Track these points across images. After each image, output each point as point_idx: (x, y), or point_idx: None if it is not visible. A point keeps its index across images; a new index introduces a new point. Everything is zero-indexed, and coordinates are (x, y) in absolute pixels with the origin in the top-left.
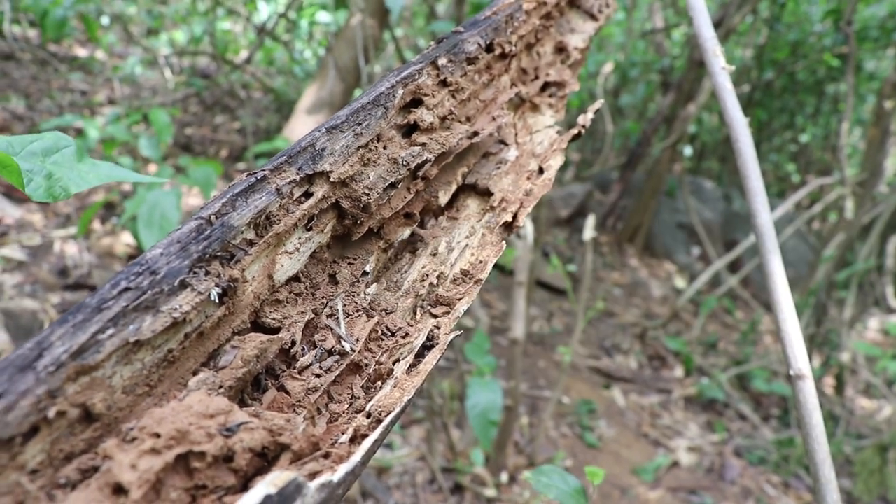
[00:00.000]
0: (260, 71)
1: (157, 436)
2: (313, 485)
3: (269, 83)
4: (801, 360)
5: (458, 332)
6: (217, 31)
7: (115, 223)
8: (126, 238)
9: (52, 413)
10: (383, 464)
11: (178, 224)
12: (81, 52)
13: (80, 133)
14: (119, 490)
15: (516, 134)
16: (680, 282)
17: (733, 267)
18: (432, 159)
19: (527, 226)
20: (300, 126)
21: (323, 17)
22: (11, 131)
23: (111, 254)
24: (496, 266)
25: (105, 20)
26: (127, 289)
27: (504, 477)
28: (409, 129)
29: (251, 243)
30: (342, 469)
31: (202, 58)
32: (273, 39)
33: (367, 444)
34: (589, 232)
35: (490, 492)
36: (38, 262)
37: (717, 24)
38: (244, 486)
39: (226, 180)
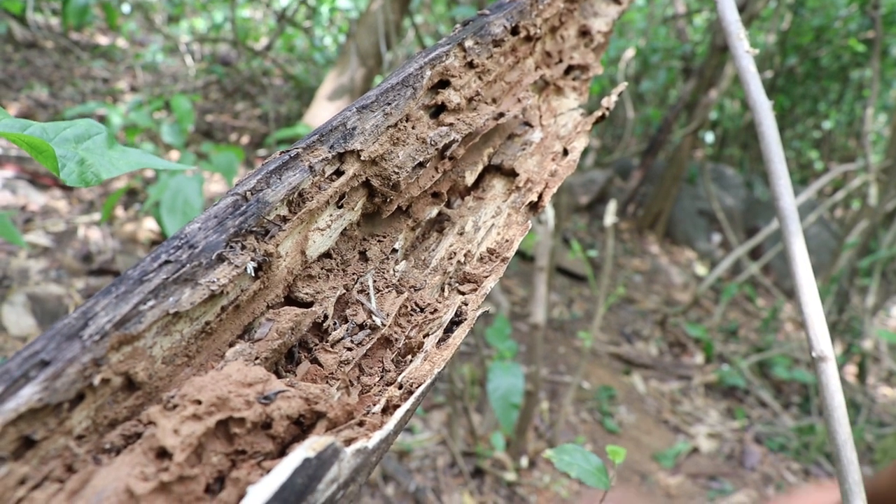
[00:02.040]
0: (280, 58)
1: (199, 403)
2: (349, 450)
3: (290, 70)
4: (823, 341)
5: (486, 309)
6: (237, 18)
7: (137, 209)
8: (149, 224)
9: (97, 380)
10: (405, 447)
11: (200, 210)
12: (103, 40)
13: (102, 120)
14: (163, 454)
15: (541, 116)
16: (700, 269)
17: (754, 254)
18: (459, 139)
19: (547, 211)
20: (321, 112)
21: (343, 2)
22: (35, 119)
23: (134, 240)
24: (517, 252)
25: (126, 8)
26: (167, 262)
27: (524, 461)
28: (437, 110)
29: (285, 219)
30: (377, 436)
31: (223, 45)
32: (293, 26)
33: (399, 413)
34: (610, 218)
35: (510, 476)
36: (62, 248)
37: (741, 9)
38: (282, 452)
39: (247, 167)
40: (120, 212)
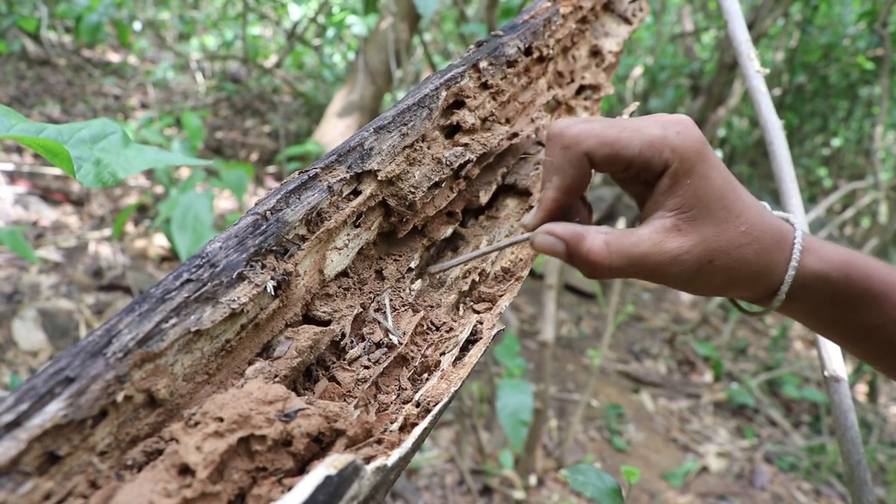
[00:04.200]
0: (290, 75)
1: (220, 420)
2: (369, 468)
3: (299, 87)
4: (835, 361)
5: (501, 328)
6: (248, 35)
7: (148, 225)
8: (159, 240)
9: (119, 397)
10: (413, 465)
11: (211, 226)
12: (114, 58)
13: None
14: (185, 471)
15: None
16: None
17: None
18: (474, 159)
19: None
20: (331, 129)
21: (352, 21)
22: None
23: (144, 255)
24: None
25: (137, 26)
26: (189, 280)
27: (533, 479)
28: (452, 130)
29: (303, 239)
30: (395, 454)
31: (233, 62)
32: (303, 44)
33: (417, 431)
34: None
35: (519, 494)
36: (73, 264)
37: (749, 27)
38: (301, 470)
39: (257, 183)
40: (130, 228)
